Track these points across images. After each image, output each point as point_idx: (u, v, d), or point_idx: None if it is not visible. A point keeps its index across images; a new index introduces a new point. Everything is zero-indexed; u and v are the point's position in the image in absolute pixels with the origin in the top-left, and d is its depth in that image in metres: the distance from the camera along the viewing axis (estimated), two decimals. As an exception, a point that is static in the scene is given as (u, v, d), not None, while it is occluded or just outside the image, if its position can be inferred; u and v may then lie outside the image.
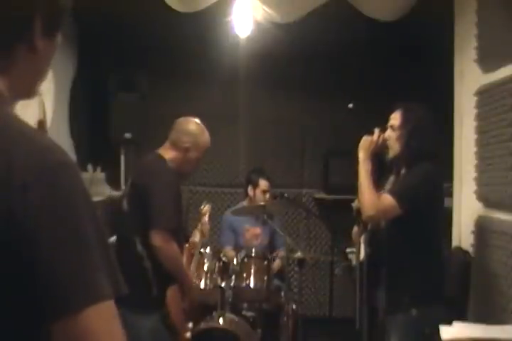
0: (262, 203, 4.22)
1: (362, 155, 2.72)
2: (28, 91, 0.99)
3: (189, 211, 5.40)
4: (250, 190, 4.56)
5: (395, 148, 2.69)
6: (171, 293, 2.79)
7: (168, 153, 2.88)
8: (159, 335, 2.78)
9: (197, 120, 3.01)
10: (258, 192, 4.49)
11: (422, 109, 2.73)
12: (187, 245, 3.12)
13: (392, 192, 2.59)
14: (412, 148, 2.63)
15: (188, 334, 3.06)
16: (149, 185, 2.73)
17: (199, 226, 3.44)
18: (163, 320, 2.79)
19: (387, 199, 2.56)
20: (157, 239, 2.67)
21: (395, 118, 2.72)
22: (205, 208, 3.55)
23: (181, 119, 3.01)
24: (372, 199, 2.60)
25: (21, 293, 0.81)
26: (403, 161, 2.70)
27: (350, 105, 2.85)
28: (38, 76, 1.00)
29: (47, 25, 0.94)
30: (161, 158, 2.87)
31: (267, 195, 4.46)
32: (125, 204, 2.83)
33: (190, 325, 3.13)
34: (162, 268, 2.73)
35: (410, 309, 2.53)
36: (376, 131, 2.74)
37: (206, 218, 3.48)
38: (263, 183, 4.49)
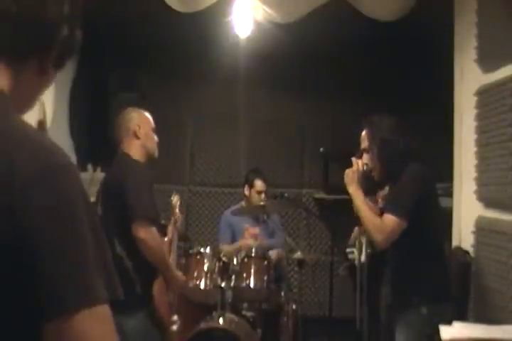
0: (262, 203, 4.22)
1: (351, 188, 2.72)
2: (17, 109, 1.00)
3: (189, 211, 5.41)
4: (246, 190, 4.58)
5: (377, 168, 2.72)
6: (157, 286, 2.80)
7: (128, 147, 2.95)
8: (148, 334, 2.79)
9: (125, 110, 3.10)
10: (253, 192, 4.50)
11: (382, 117, 2.73)
12: (165, 239, 3.12)
13: (390, 210, 2.58)
14: (390, 163, 2.64)
15: (175, 327, 3.06)
16: (121, 181, 2.80)
17: (172, 221, 3.43)
18: (150, 317, 2.80)
19: (391, 219, 2.55)
20: (139, 230, 2.70)
21: (364, 140, 2.75)
22: (175, 199, 3.54)
23: (116, 119, 3.08)
24: (377, 225, 2.60)
25: (17, 292, 0.81)
26: (389, 176, 2.71)
27: (322, 149, 2.89)
28: (30, 99, 1.02)
29: (60, 54, 0.98)
30: (125, 154, 2.94)
31: (262, 196, 4.46)
32: (99, 209, 2.86)
33: (176, 317, 3.13)
34: (143, 266, 2.75)
35: (420, 307, 2.54)
36: (353, 159, 2.76)
37: (177, 210, 3.48)
38: (258, 184, 4.50)
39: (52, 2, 0.94)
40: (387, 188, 2.88)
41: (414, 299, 2.57)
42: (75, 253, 0.83)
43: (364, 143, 2.75)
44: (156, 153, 3.06)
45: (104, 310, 0.84)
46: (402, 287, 2.69)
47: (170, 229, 3.38)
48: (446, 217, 3.24)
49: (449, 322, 2.22)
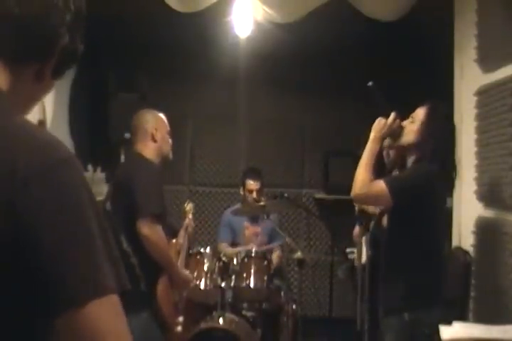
0: (262, 203, 4.22)
1: (372, 135, 2.68)
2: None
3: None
4: (241, 191, 4.62)
5: (408, 138, 2.65)
6: (161, 285, 2.81)
7: (143, 148, 2.98)
8: (151, 334, 2.79)
9: (141, 110, 3.14)
10: (246, 191, 4.52)
11: (447, 110, 2.73)
12: (173, 241, 3.13)
13: (387, 180, 2.54)
14: (425, 146, 2.60)
15: (179, 328, 3.06)
16: (130, 178, 2.83)
17: (184, 226, 3.44)
18: (154, 317, 2.79)
19: (380, 184, 2.52)
20: (144, 227, 2.72)
21: (420, 112, 2.67)
22: (189, 206, 3.56)
23: (132, 120, 3.11)
24: (365, 179, 2.58)
25: (24, 288, 0.81)
26: (411, 155, 2.67)
27: (370, 83, 2.78)
28: (28, 104, 1.03)
29: (59, 63, 0.99)
30: (138, 154, 2.97)
31: (254, 194, 4.46)
32: (108, 205, 2.90)
33: (181, 319, 3.12)
34: (149, 263, 2.77)
35: (403, 313, 2.50)
36: (393, 114, 2.68)
37: (190, 216, 3.50)
38: (249, 183, 4.52)
39: (55, 9, 0.95)
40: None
41: (397, 304, 2.53)
42: (79, 245, 0.83)
43: (418, 114, 2.68)
44: (171, 156, 3.10)
45: (114, 300, 0.85)
46: (388, 291, 2.66)
47: (181, 233, 3.40)
48: (446, 217, 3.24)
49: (448, 323, 2.22)
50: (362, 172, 2.61)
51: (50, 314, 0.81)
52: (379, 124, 2.68)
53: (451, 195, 3.41)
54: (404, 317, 2.49)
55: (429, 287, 2.55)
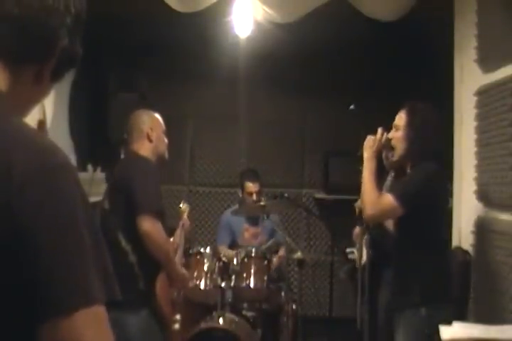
0: (262, 203, 4.22)
1: (366, 154, 2.72)
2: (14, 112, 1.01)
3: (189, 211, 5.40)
4: (240, 193, 4.61)
5: (399, 148, 2.69)
6: (159, 283, 2.81)
7: (139, 147, 2.99)
8: (150, 333, 2.79)
9: (137, 111, 3.15)
10: (245, 194, 4.52)
11: (428, 108, 2.72)
12: (170, 239, 3.13)
13: (393, 192, 2.58)
14: (416, 149, 2.62)
15: (177, 326, 3.06)
16: (128, 176, 2.84)
17: (180, 225, 3.44)
18: (153, 315, 2.80)
19: (388, 198, 2.56)
20: (144, 223, 2.71)
21: (400, 118, 2.71)
22: (184, 207, 3.56)
23: (128, 120, 3.12)
24: (373, 198, 2.61)
25: (12, 292, 0.81)
26: (408, 161, 2.69)
27: (352, 106, 2.83)
28: (27, 105, 1.02)
29: (57, 65, 0.99)
30: (135, 154, 2.98)
31: (254, 197, 4.46)
32: (106, 204, 2.90)
33: (178, 316, 3.12)
34: (148, 261, 2.77)
35: (419, 308, 2.53)
36: (380, 130, 2.73)
37: (185, 216, 3.50)
38: (248, 186, 4.52)
39: (55, 11, 0.95)
40: (387, 183, 2.87)
41: (414, 299, 2.56)
42: (72, 252, 0.83)
43: (399, 121, 2.71)
44: (167, 155, 3.10)
45: (100, 311, 0.84)
46: (402, 287, 2.68)
47: (177, 232, 3.40)
48: (446, 217, 3.24)
49: (448, 323, 2.22)
50: (368, 193, 2.63)
51: (36, 321, 0.81)
52: (368, 143, 2.74)
53: (450, 195, 3.41)
54: (421, 312, 2.51)
55: (442, 283, 2.60)
